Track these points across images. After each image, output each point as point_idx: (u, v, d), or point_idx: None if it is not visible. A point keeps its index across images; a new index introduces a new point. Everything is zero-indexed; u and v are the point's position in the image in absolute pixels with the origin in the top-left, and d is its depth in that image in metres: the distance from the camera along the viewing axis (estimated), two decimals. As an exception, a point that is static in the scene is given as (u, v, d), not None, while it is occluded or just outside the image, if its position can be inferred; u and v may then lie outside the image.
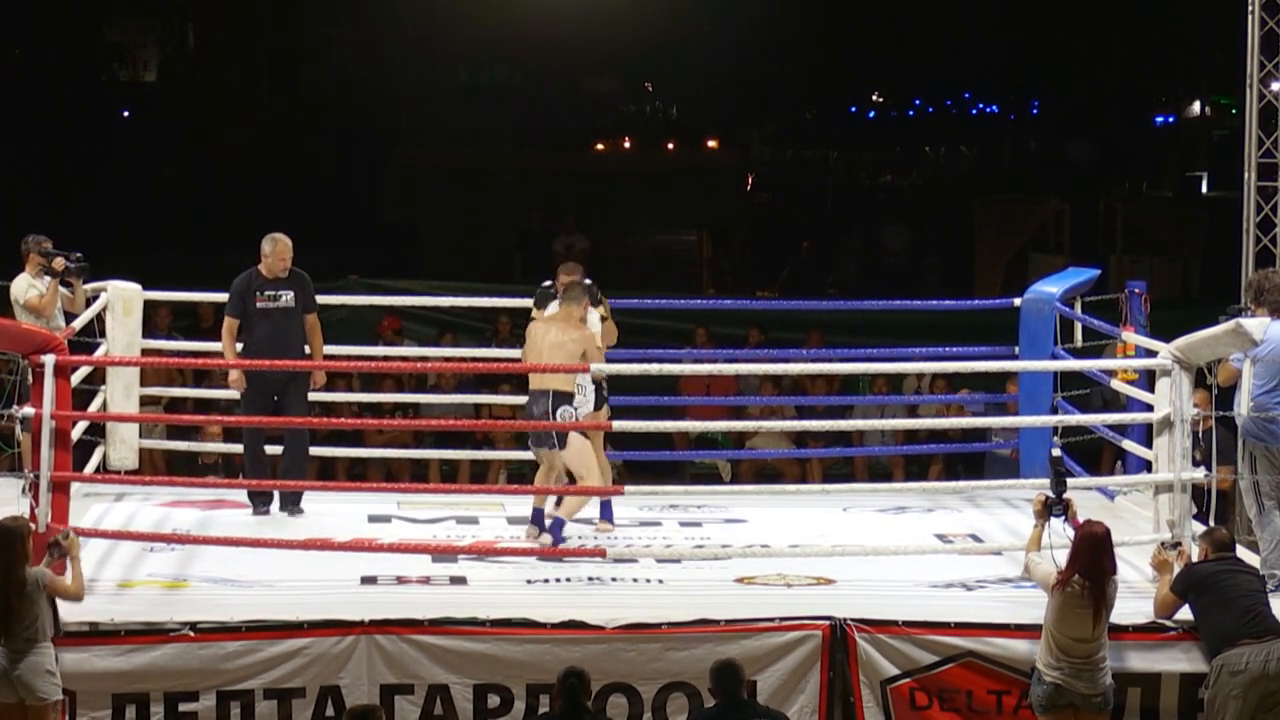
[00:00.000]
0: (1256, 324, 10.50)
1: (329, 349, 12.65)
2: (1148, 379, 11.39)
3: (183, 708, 9.73)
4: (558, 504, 11.65)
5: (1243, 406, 10.79)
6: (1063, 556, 9.73)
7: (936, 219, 32.54)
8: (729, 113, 41.03)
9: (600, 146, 41.67)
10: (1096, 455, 14.96)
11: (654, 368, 11.88)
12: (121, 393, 12.67)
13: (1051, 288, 13.28)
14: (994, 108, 44.51)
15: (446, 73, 39.83)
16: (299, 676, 9.78)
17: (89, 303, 12.47)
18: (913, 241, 30.84)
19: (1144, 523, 11.36)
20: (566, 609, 10.06)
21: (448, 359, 15.19)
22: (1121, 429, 12.55)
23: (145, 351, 13.05)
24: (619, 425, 11.59)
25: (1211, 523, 10.97)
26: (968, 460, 15.99)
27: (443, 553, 11.20)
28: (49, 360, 10.33)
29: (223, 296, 12.38)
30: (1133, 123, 40.97)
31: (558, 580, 10.82)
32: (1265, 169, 13.16)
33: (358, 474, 15.61)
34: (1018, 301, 13.41)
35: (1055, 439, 12.90)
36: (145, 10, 37.98)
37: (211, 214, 31.23)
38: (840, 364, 14.18)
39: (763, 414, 16.42)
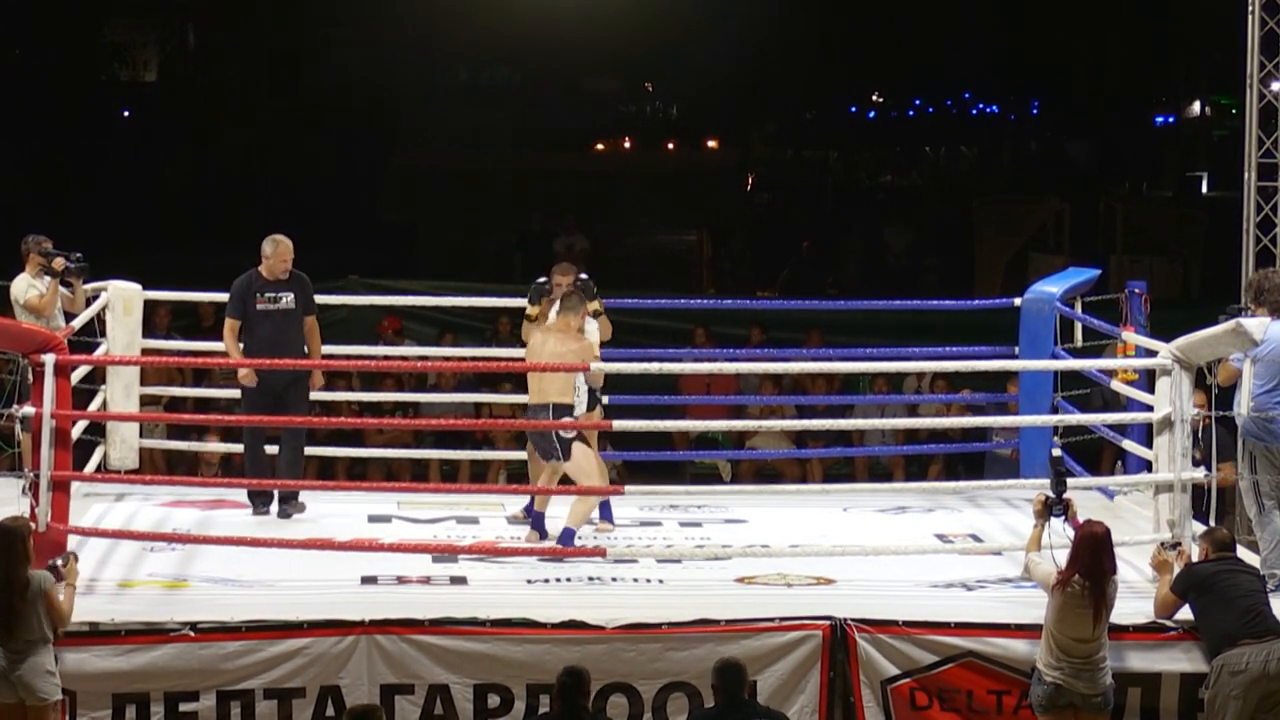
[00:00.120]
0: (1256, 324, 10.50)
1: (329, 348, 12.65)
2: (1148, 379, 11.40)
3: (183, 708, 9.72)
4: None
5: (1243, 406, 10.79)
6: (1063, 556, 9.73)
7: (937, 219, 32.54)
8: (729, 113, 41.04)
9: (600, 146, 41.69)
10: (1096, 455, 14.96)
11: (654, 367, 11.88)
12: (121, 392, 12.67)
13: (1051, 288, 13.28)
14: (994, 108, 44.52)
15: (446, 73, 39.85)
16: (299, 676, 9.78)
17: (89, 303, 12.47)
18: (913, 242, 30.86)
19: (1144, 523, 11.36)
20: (566, 609, 10.06)
21: (448, 359, 15.19)
22: (1121, 429, 12.55)
23: (145, 351, 13.05)
24: (619, 425, 11.59)
25: (1211, 523, 10.97)
26: (968, 460, 15.99)
27: (443, 553, 11.20)
28: (49, 359, 10.33)
29: (222, 296, 12.38)
30: (1133, 123, 40.97)
31: (558, 580, 10.82)
32: (1265, 169, 13.16)
33: (358, 474, 15.60)
34: (1018, 301, 13.41)
35: (1055, 439, 12.90)
36: (145, 10, 38.01)
37: (211, 214, 31.24)
38: (840, 364, 14.19)
39: (763, 414, 16.42)
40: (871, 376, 16.13)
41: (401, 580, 10.74)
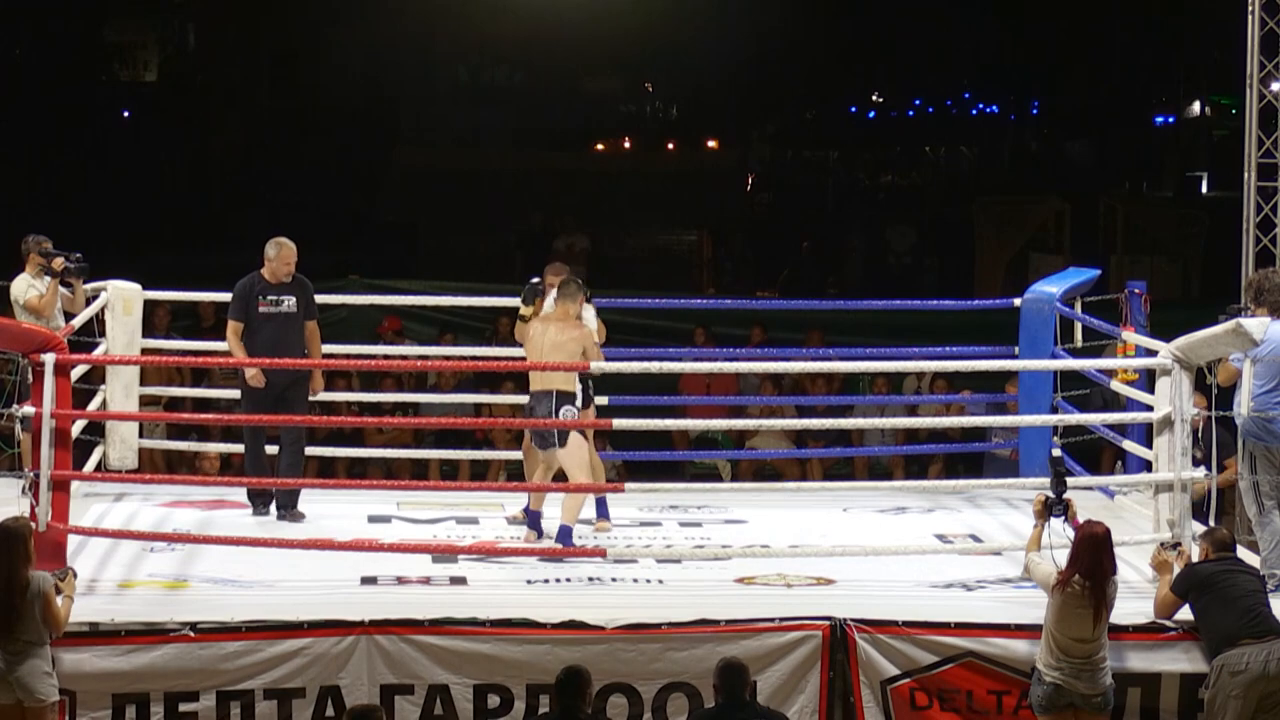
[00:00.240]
0: (1256, 324, 10.49)
1: (329, 348, 12.64)
2: (1148, 379, 11.40)
3: (183, 708, 9.72)
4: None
5: (1243, 406, 10.79)
6: (1063, 556, 9.73)
7: (937, 219, 32.55)
8: (729, 113, 41.02)
9: (600, 146, 41.65)
10: (1096, 455, 14.96)
11: (654, 367, 11.89)
12: (121, 392, 12.67)
13: (1051, 288, 13.28)
14: (994, 108, 44.51)
15: (446, 73, 39.87)
16: (299, 676, 9.77)
17: (89, 303, 12.47)
18: (914, 242, 30.88)
19: (1144, 522, 11.36)
20: (566, 609, 10.06)
21: (448, 359, 15.19)
22: (1121, 429, 12.56)
23: (145, 351, 13.05)
24: (619, 424, 11.58)
25: (1211, 522, 10.97)
26: (968, 460, 16.00)
27: (443, 553, 11.21)
28: (49, 359, 10.33)
29: (222, 296, 12.37)
30: (1133, 123, 40.97)
31: (558, 580, 10.82)
32: (1265, 169, 13.15)
33: (357, 474, 15.60)
34: (1018, 301, 13.41)
35: (1055, 439, 12.90)
36: (145, 10, 38.05)
37: (211, 214, 31.26)
38: (840, 364, 14.18)
39: (763, 414, 16.42)
40: (871, 376, 16.14)
41: (401, 580, 10.74)
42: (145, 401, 13.43)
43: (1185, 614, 10.00)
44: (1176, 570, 10.14)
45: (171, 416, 14.36)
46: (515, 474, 14.99)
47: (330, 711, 9.77)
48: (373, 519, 12.24)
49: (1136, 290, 12.52)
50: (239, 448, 12.56)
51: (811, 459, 16.08)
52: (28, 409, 10.35)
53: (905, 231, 31.28)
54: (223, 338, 12.30)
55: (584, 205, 31.45)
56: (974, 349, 12.99)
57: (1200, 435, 10.96)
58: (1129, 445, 12.26)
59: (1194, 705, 9.94)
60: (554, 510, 11.61)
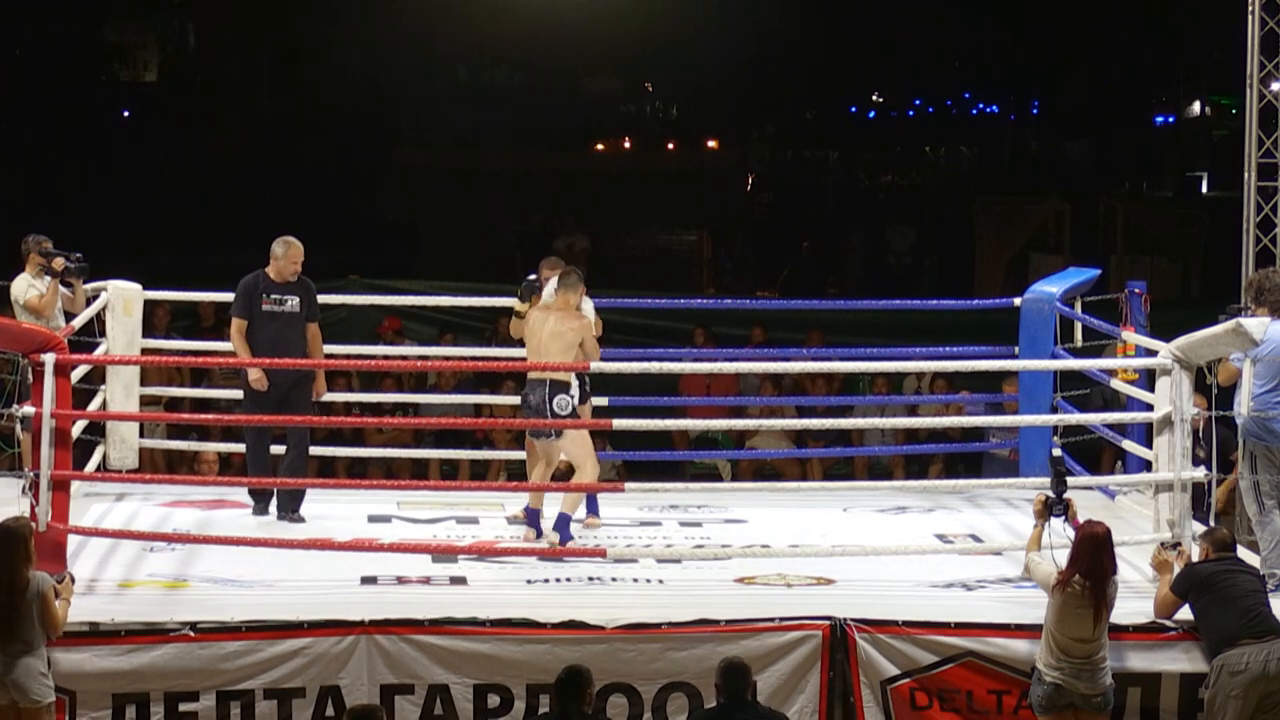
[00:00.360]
0: (1256, 324, 10.49)
1: (329, 348, 12.64)
2: (1148, 379, 11.40)
3: (183, 708, 9.72)
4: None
5: (1243, 406, 10.79)
6: (1063, 556, 9.73)
7: (937, 219, 32.56)
8: (729, 113, 41.03)
9: (600, 146, 41.65)
10: (1096, 455, 14.96)
11: (654, 367, 11.89)
12: (121, 392, 12.67)
13: (1051, 288, 13.29)
14: (994, 108, 44.52)
15: (446, 73, 39.87)
16: (299, 676, 9.77)
17: (89, 303, 12.46)
18: (914, 242, 30.89)
19: (1144, 522, 11.36)
20: (566, 609, 10.06)
21: (448, 359, 15.19)
22: (1121, 429, 12.56)
23: (145, 351, 13.05)
24: (619, 424, 11.58)
25: (1211, 522, 10.97)
26: (968, 460, 15.99)
27: (443, 553, 11.21)
28: (49, 359, 10.33)
29: (222, 296, 12.37)
30: (1133, 123, 40.98)
31: (558, 580, 10.82)
32: (1265, 169, 13.16)
33: (357, 474, 15.59)
34: (1018, 301, 13.41)
35: (1055, 439, 12.90)
36: (145, 10, 38.06)
37: (211, 214, 31.26)
38: (840, 364, 14.18)
39: (763, 414, 16.42)
40: (871, 376, 16.14)
41: (401, 580, 10.74)
42: (145, 401, 13.43)
43: (1185, 614, 10.00)
44: (1176, 570, 10.14)
45: (171, 417, 14.36)
46: (515, 474, 15.01)
47: (330, 711, 9.78)
48: (373, 519, 12.25)
49: (1136, 290, 12.52)
50: (239, 447, 12.56)
51: (811, 459, 16.08)
52: (28, 409, 10.35)
53: (905, 231, 31.29)
54: (223, 338, 12.30)
55: (584, 205, 31.45)
56: (974, 349, 12.99)
57: (1201, 435, 10.95)
58: (1129, 445, 12.26)
59: (1194, 705, 9.94)
60: (554, 510, 11.61)
